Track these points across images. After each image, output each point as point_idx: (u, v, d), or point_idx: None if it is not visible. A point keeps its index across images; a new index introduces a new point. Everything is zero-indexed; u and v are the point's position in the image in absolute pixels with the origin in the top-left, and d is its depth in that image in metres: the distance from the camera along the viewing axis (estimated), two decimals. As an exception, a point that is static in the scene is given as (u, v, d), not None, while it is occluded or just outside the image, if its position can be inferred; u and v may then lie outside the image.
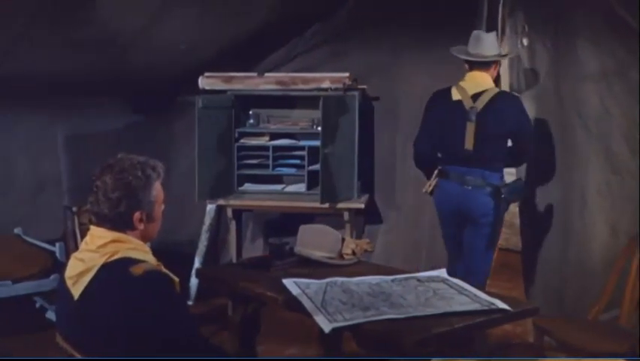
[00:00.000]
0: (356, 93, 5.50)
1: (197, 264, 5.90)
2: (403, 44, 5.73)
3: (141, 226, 2.59)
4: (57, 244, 5.02)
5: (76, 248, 4.47)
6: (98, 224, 2.60)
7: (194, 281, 5.90)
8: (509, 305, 3.14)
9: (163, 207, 2.67)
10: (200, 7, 4.88)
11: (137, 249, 2.58)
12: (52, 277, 4.94)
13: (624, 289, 4.11)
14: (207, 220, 6.00)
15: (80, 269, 2.55)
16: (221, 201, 5.58)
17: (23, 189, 5.71)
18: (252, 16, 5.37)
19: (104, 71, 5.27)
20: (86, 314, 2.52)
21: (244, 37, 5.61)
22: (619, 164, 4.70)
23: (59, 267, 4.96)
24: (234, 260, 5.67)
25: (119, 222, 2.57)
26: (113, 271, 2.50)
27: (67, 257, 4.68)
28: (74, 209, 4.98)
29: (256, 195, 5.68)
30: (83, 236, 4.83)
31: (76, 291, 2.53)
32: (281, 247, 3.86)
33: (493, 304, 3.14)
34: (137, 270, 2.47)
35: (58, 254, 5.00)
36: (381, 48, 5.81)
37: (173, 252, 4.70)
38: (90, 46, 4.91)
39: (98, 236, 2.58)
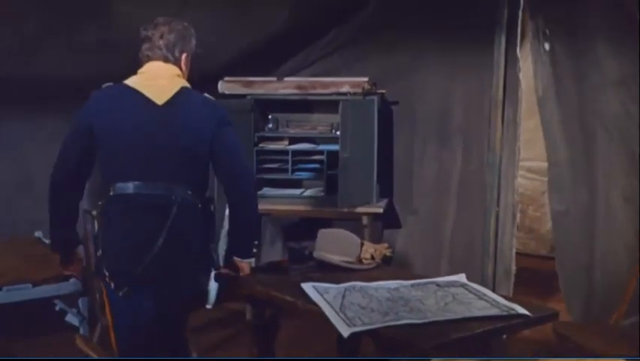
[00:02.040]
0: (375, 98, 5.49)
1: (216, 268, 5.91)
2: (422, 49, 5.72)
3: (184, 67, 3.39)
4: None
5: (96, 252, 4.53)
6: (158, 60, 3.33)
7: (213, 285, 5.88)
8: (529, 310, 3.12)
9: None
10: (218, 12, 4.89)
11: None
12: (71, 280, 4.96)
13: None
14: (226, 224, 5.99)
15: (159, 86, 3.26)
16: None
17: (43, 193, 5.72)
18: (271, 20, 5.37)
19: (123, 76, 5.28)
20: (172, 115, 3.22)
21: (263, 41, 5.61)
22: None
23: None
24: (253, 264, 5.66)
25: (172, 59, 3.33)
26: (192, 93, 3.34)
27: (87, 260, 4.74)
28: (94, 213, 4.98)
29: (275, 199, 5.68)
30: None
31: (160, 99, 3.24)
32: (300, 251, 3.86)
33: (512, 309, 3.12)
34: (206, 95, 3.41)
35: (78, 257, 5.02)
36: (401, 52, 5.80)
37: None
38: (109, 51, 4.93)
39: (165, 68, 3.32)
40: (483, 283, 4.38)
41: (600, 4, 4.72)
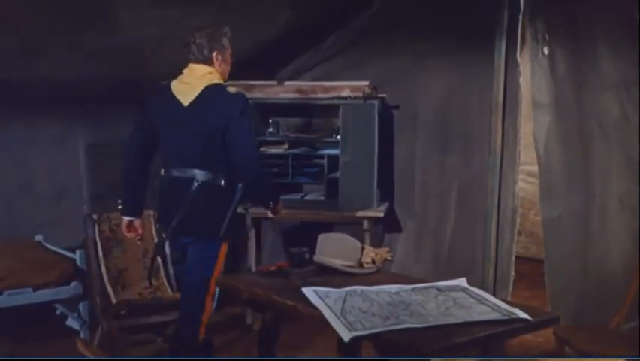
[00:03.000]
0: (375, 102, 5.49)
1: (216, 272, 5.91)
2: (422, 53, 5.73)
3: (216, 63, 4.02)
4: (77, 252, 5.05)
5: (96, 256, 4.58)
6: (194, 62, 4.01)
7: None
8: (530, 315, 3.12)
9: (231, 61, 4.15)
10: (219, 16, 4.90)
11: (220, 80, 4.03)
12: (72, 284, 4.97)
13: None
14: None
15: (188, 88, 3.97)
16: (240, 209, 5.58)
17: (44, 197, 5.74)
18: (271, 24, 5.38)
19: (125, 79, 5.29)
20: (194, 115, 3.93)
21: (264, 45, 5.62)
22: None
23: (80, 274, 4.99)
24: (253, 268, 5.67)
25: (204, 59, 4.00)
26: (215, 90, 3.97)
27: (88, 264, 4.76)
28: (95, 217, 5.00)
29: (275, 204, 5.67)
30: (103, 244, 4.91)
31: (185, 101, 3.96)
32: (300, 255, 3.86)
33: (513, 313, 3.12)
34: (231, 89, 4.02)
35: (78, 261, 5.02)
36: (401, 56, 5.80)
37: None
38: (110, 54, 4.94)
39: (198, 69, 4.00)
40: (483, 288, 4.38)
41: (600, 8, 4.73)
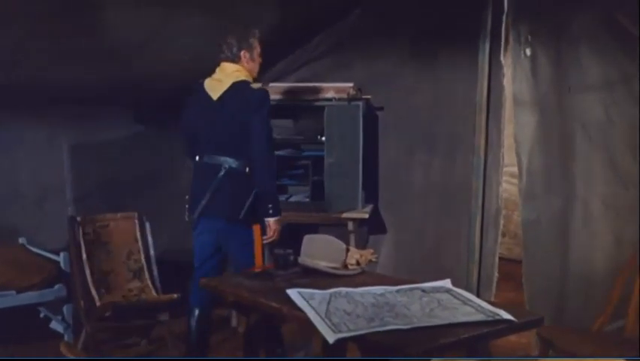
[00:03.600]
0: (360, 103, 5.50)
1: (201, 274, 5.89)
2: (407, 54, 5.73)
3: (244, 61, 4.47)
4: (61, 254, 5.02)
5: (80, 258, 4.55)
6: (225, 61, 4.47)
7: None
8: (514, 316, 3.13)
9: (260, 60, 4.58)
10: (204, 18, 4.89)
11: (248, 77, 4.48)
12: (56, 287, 4.94)
13: (629, 300, 4.09)
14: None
15: (218, 84, 4.46)
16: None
17: (28, 199, 5.70)
18: (256, 26, 5.36)
19: (109, 81, 5.27)
20: (222, 108, 4.43)
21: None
22: (623, 174, 4.69)
23: (64, 277, 4.96)
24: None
25: (233, 57, 4.45)
26: (241, 85, 4.43)
27: (72, 267, 4.73)
28: (78, 219, 4.98)
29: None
30: (87, 246, 4.89)
31: (215, 95, 4.45)
32: (285, 257, 3.86)
33: (497, 314, 3.13)
34: (255, 86, 4.48)
35: (62, 264, 4.99)
36: (386, 58, 5.81)
37: (178, 261, 4.70)
38: (94, 56, 4.92)
39: (227, 67, 4.47)
40: (467, 289, 4.39)
41: (582, 9, 4.74)
